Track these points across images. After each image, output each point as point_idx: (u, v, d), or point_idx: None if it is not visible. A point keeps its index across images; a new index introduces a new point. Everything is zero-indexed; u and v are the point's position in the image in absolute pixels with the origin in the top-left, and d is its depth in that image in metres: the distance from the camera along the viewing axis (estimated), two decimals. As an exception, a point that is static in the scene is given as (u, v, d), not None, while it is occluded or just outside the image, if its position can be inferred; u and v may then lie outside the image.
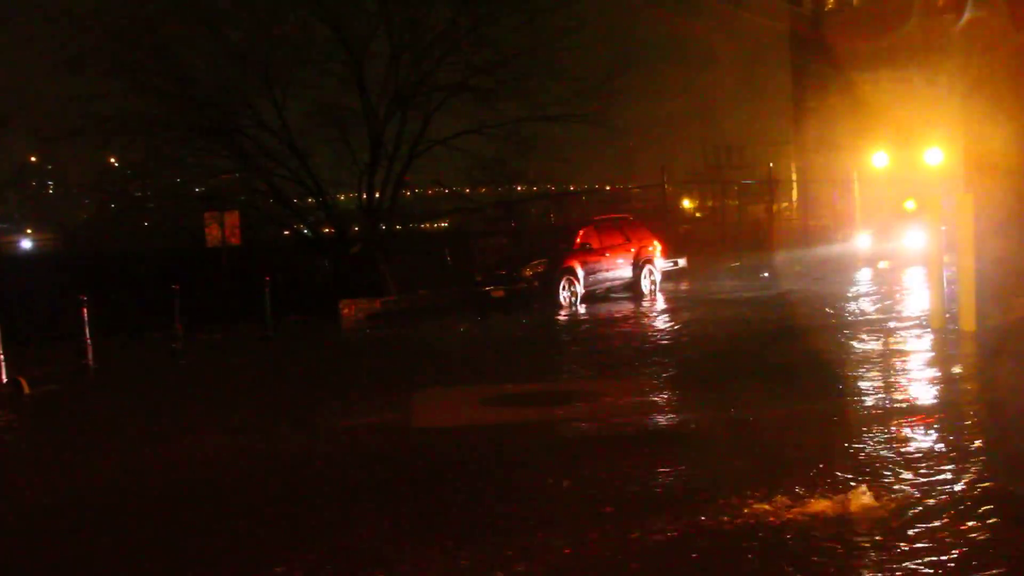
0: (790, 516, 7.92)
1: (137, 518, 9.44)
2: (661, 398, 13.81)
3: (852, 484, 8.61)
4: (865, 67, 47.77)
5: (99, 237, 37.73)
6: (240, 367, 20.87)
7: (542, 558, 7.45)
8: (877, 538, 7.40)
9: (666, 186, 46.08)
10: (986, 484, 8.51)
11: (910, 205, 35.65)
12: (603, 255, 29.84)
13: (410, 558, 7.66)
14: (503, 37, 32.46)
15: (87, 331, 20.21)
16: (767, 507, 8.13)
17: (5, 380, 17.95)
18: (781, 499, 8.31)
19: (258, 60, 31.80)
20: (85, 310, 20.15)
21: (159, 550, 8.42)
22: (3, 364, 18.07)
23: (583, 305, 27.99)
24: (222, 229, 27.71)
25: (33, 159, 66.90)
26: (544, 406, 13.49)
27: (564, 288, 28.35)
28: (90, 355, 20.19)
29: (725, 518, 7.97)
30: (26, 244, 61.26)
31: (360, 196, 34.32)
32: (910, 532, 7.48)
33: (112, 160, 39.55)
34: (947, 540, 7.28)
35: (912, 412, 11.56)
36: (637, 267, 30.57)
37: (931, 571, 6.77)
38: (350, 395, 15.63)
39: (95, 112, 30.19)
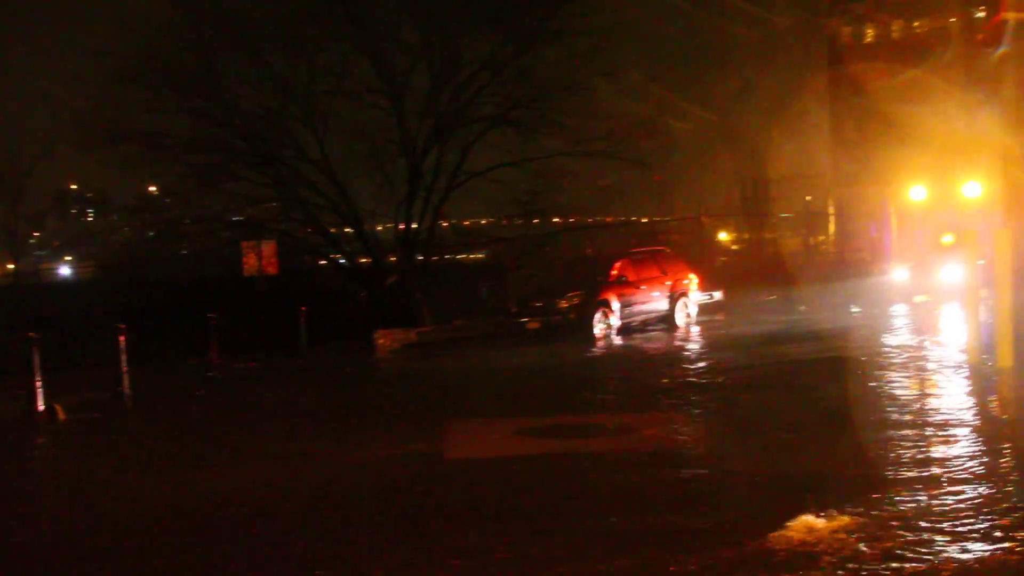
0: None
1: (151, 545, 9.54)
2: (691, 433, 13.85)
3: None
4: (903, 100, 47.58)
5: (137, 264, 37.85)
6: (274, 396, 20.88)
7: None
8: None
9: (703, 219, 46.05)
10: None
11: (948, 239, 35.36)
12: (639, 287, 29.75)
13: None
14: (541, 71, 32.60)
15: (123, 359, 20.32)
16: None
17: (41, 407, 18.07)
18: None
19: (300, 90, 32.03)
20: (122, 338, 20.26)
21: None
22: (39, 391, 18.18)
23: (618, 337, 27.88)
24: (259, 258, 27.85)
25: (73, 186, 67.45)
26: (576, 438, 13.54)
27: (599, 320, 28.30)
28: (126, 383, 20.29)
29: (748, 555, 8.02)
30: (65, 271, 61.81)
31: (397, 226, 34.38)
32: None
33: (151, 188, 39.81)
34: None
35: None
36: (673, 300, 30.42)
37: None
38: (382, 425, 15.69)
39: (138, 127, 30.50)
